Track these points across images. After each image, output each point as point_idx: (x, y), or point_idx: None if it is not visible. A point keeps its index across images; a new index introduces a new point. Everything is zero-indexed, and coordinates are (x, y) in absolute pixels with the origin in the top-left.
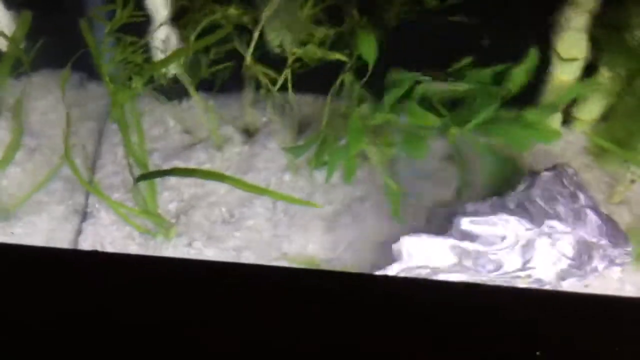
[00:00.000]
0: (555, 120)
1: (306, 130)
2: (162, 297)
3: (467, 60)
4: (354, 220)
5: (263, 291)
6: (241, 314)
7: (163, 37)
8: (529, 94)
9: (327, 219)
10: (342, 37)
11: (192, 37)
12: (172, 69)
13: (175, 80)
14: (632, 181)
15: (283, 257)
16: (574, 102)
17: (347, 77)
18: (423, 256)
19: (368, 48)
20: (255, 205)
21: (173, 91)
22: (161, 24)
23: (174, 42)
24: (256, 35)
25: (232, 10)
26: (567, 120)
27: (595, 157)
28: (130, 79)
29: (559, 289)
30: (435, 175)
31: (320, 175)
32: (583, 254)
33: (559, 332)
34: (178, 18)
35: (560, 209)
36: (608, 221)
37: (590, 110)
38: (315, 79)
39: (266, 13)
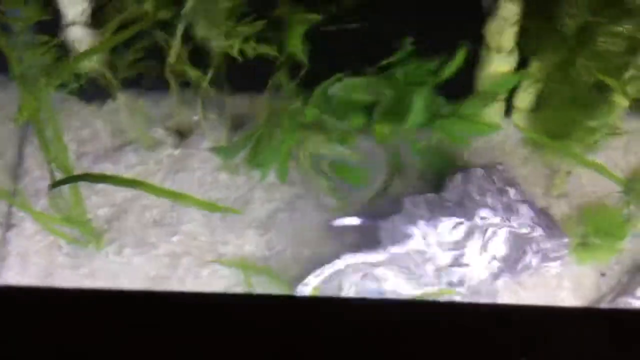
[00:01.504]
0: (495, 112)
1: (241, 129)
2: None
3: (401, 54)
4: (293, 217)
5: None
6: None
7: (78, 37)
8: (467, 87)
9: (266, 218)
10: (274, 31)
11: (107, 34)
12: (93, 68)
13: (95, 80)
14: (568, 173)
15: (218, 261)
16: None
17: (281, 74)
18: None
19: (298, 43)
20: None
21: (97, 91)
22: (71, 23)
23: (88, 41)
24: (178, 31)
25: (148, 5)
26: (508, 111)
27: (533, 149)
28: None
29: (494, 287)
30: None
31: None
32: (517, 250)
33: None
34: (94, 16)
35: (491, 203)
36: (542, 214)
37: (526, 100)
38: (250, 75)
39: (186, 7)
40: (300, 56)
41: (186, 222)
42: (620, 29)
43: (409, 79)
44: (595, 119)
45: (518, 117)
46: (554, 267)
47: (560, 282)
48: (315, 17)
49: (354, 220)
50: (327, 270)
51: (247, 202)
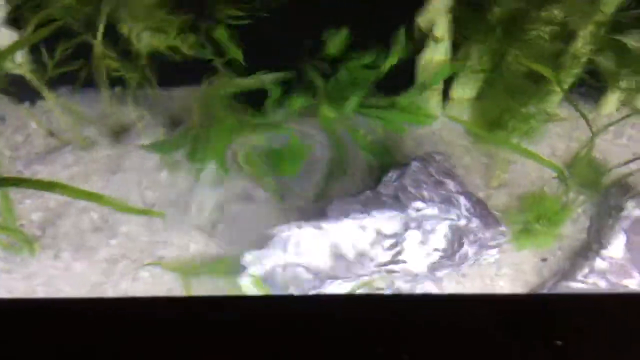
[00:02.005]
0: (434, 102)
1: (181, 124)
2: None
3: (338, 45)
4: (239, 215)
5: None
6: None
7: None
8: (409, 78)
9: (209, 216)
10: (204, 26)
11: (28, 32)
12: (16, 68)
13: (20, 79)
14: (509, 161)
15: (158, 263)
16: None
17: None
18: (300, 252)
19: (231, 41)
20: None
21: (30, 92)
22: None
23: (10, 41)
24: (101, 27)
25: (69, 1)
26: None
27: (474, 139)
28: None
29: (435, 280)
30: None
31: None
32: (454, 241)
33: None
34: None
35: (427, 195)
36: (478, 204)
37: (463, 90)
38: (188, 69)
39: (107, 3)
40: (234, 52)
41: (125, 223)
42: (550, 15)
43: (350, 75)
44: (530, 106)
45: (454, 107)
46: (491, 255)
47: (500, 269)
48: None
49: (293, 228)
50: (269, 263)
51: (189, 200)
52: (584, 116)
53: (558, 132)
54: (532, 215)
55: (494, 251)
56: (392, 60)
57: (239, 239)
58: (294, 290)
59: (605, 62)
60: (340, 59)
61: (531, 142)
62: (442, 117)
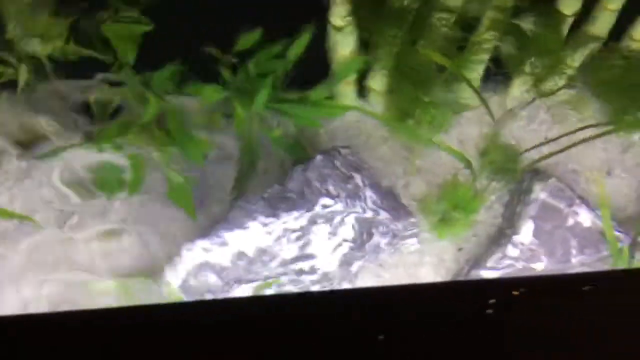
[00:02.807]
0: (347, 94)
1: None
2: None
3: (253, 37)
4: (150, 222)
5: None
6: None
7: None
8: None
9: (122, 225)
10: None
11: None
12: None
13: None
14: (424, 152)
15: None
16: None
17: (122, 67)
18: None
19: (125, 44)
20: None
21: None
22: None
23: None
24: None
25: None
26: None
27: (391, 129)
28: None
29: (350, 272)
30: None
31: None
32: (363, 232)
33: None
34: None
35: (333, 190)
36: (386, 196)
37: (378, 81)
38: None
39: None
40: (127, 55)
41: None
42: (452, 2)
43: (259, 67)
44: (439, 95)
45: (372, 99)
46: (411, 244)
47: (422, 258)
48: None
49: (198, 250)
50: (176, 275)
51: (104, 211)
52: (483, 101)
53: (470, 117)
54: (448, 204)
55: (413, 240)
56: (296, 50)
57: (148, 245)
58: (209, 297)
59: (507, 47)
60: (251, 52)
61: (443, 130)
62: (359, 108)
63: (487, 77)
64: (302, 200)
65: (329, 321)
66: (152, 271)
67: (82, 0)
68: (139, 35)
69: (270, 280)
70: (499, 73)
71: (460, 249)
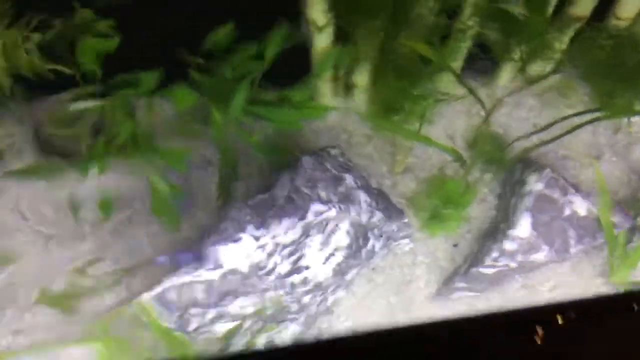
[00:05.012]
0: (327, 93)
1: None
2: None
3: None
4: (126, 234)
5: None
6: None
7: None
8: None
9: (99, 245)
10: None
11: None
12: None
13: None
14: (411, 147)
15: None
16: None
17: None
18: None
19: (91, 56)
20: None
21: None
22: None
23: None
24: None
25: None
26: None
27: (374, 126)
28: None
29: (345, 280)
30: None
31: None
32: (359, 238)
33: None
34: None
35: (325, 195)
36: (379, 197)
37: (362, 76)
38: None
39: None
40: (90, 64)
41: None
42: None
43: (235, 70)
44: (422, 87)
45: (356, 95)
46: (404, 245)
47: (415, 258)
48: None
49: (187, 258)
50: (156, 290)
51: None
52: (472, 92)
53: (457, 109)
54: (439, 200)
55: (406, 240)
56: (272, 51)
57: (128, 265)
58: (192, 311)
59: (492, 33)
60: (224, 54)
61: (429, 123)
62: (341, 106)
63: (473, 64)
64: (291, 207)
65: None
66: (132, 287)
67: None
68: (108, 49)
69: (273, 298)
70: (484, 59)
71: (455, 245)
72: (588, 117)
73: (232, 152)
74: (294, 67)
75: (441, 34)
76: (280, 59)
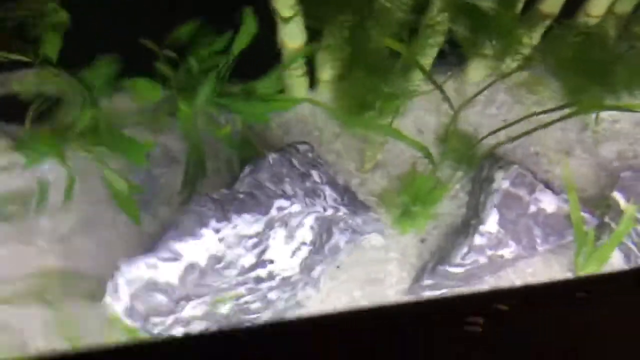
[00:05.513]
0: (297, 86)
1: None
2: None
3: (188, 29)
4: (93, 228)
5: None
6: None
7: None
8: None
9: (67, 230)
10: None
11: None
12: None
13: None
14: (382, 143)
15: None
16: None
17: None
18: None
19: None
20: None
21: None
22: None
23: None
24: None
25: None
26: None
27: (344, 122)
28: None
29: (312, 279)
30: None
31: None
32: (322, 233)
33: None
34: None
35: (290, 190)
36: (345, 192)
37: (328, 71)
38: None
39: None
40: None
41: None
42: None
43: (202, 62)
44: (391, 83)
45: (322, 90)
46: (374, 240)
47: (387, 254)
48: None
49: (151, 259)
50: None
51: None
52: (439, 88)
53: (429, 106)
54: (409, 197)
55: (375, 235)
56: (240, 44)
57: (94, 255)
58: (155, 319)
59: (461, 29)
60: (190, 46)
61: (399, 119)
62: (312, 101)
63: (443, 60)
64: (253, 202)
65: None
66: (92, 291)
67: None
68: (61, 27)
69: (230, 294)
70: (454, 55)
71: (423, 241)
72: (557, 113)
73: (199, 146)
74: (264, 60)
75: (410, 29)
76: (250, 51)
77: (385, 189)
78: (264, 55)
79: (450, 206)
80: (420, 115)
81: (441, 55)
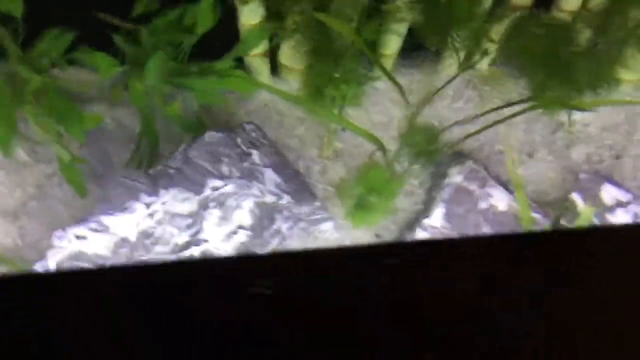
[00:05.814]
0: (262, 70)
1: None
2: None
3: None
4: (46, 201)
5: None
6: None
7: None
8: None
9: (17, 204)
10: None
11: None
12: None
13: None
14: (342, 130)
15: None
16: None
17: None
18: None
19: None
20: None
21: None
22: None
23: None
24: None
25: None
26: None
27: (305, 109)
28: None
29: None
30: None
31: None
32: (263, 218)
33: None
34: None
35: (226, 170)
36: (291, 178)
37: (291, 56)
38: None
39: None
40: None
41: None
42: None
43: (155, 36)
44: (353, 72)
45: (288, 75)
46: (325, 230)
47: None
48: None
49: (80, 230)
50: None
51: None
52: (390, 78)
53: (393, 98)
54: (363, 188)
55: (327, 226)
56: (203, 25)
57: (43, 229)
58: None
59: (421, 18)
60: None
61: (364, 110)
62: (274, 85)
63: (411, 50)
64: (182, 178)
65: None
66: (24, 261)
67: None
68: None
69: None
70: (420, 46)
71: (377, 235)
72: (518, 108)
73: (151, 123)
74: (225, 40)
75: (370, 16)
76: (211, 31)
77: (343, 179)
78: (230, 37)
79: (407, 202)
80: (388, 108)
81: (415, 48)
